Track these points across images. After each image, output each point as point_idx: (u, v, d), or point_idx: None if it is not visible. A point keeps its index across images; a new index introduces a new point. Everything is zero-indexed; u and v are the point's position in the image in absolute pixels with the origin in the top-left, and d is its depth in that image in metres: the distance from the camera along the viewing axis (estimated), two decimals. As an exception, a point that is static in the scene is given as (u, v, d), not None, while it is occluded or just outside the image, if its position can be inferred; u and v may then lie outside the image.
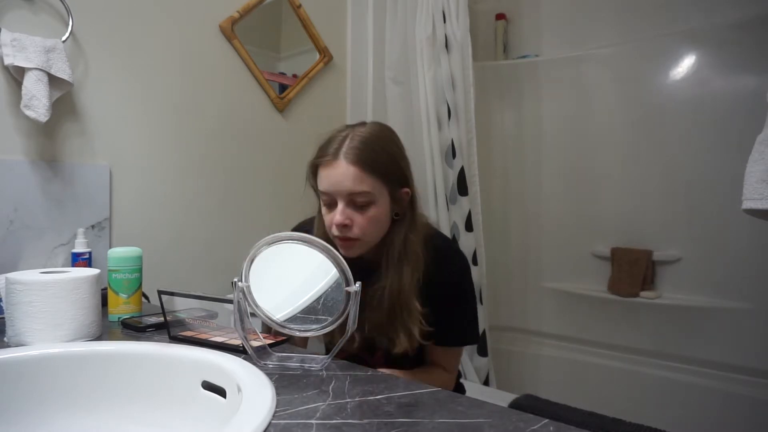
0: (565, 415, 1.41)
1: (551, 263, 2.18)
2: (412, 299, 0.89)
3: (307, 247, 0.71)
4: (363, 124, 0.91)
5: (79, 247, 1.18)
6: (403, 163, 0.91)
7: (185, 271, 1.47)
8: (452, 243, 1.02)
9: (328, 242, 0.75)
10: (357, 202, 0.85)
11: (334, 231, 0.86)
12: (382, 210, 0.87)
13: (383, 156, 0.87)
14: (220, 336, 0.84)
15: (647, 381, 1.86)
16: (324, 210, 0.89)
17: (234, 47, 1.58)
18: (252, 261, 0.73)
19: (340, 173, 0.83)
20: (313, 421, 0.54)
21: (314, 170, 0.90)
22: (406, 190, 0.91)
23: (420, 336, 0.89)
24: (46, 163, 1.19)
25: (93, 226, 1.26)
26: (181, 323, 0.91)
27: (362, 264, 0.84)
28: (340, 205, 0.85)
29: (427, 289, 0.91)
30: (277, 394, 0.61)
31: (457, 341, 0.99)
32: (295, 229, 1.12)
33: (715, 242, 1.78)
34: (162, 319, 0.90)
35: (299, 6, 1.74)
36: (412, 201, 0.93)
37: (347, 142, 0.85)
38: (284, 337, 0.86)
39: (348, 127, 0.90)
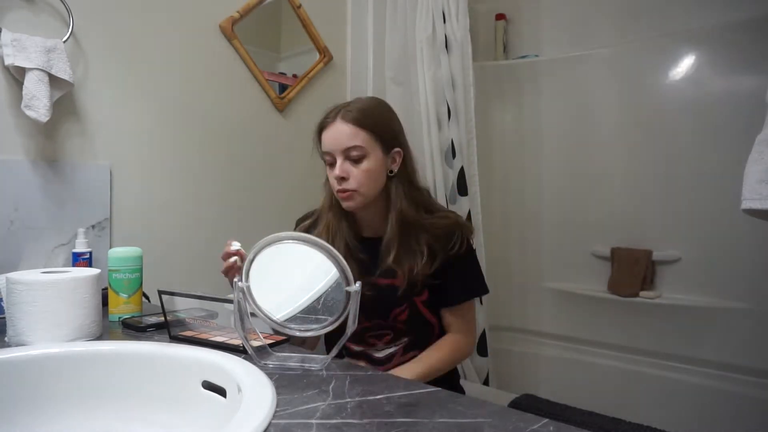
0: (564, 414, 1.41)
1: (551, 263, 2.18)
2: (419, 225, 1.01)
3: (307, 247, 0.71)
4: (361, 98, 1.06)
5: (80, 247, 1.18)
6: (395, 125, 1.04)
7: (185, 271, 1.47)
8: (455, 218, 1.07)
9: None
10: (352, 156, 0.97)
11: (334, 185, 0.99)
12: (374, 164, 0.98)
13: (376, 116, 1.00)
14: (220, 336, 0.84)
15: (647, 381, 1.86)
16: (328, 171, 1.02)
17: (234, 47, 1.58)
18: (252, 261, 0.73)
19: (337, 131, 0.97)
20: (313, 421, 0.54)
21: (319, 134, 1.03)
22: (398, 149, 1.02)
23: (420, 269, 0.99)
24: (47, 163, 1.19)
25: (93, 226, 1.26)
26: (181, 323, 0.92)
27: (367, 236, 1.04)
28: (339, 161, 0.98)
29: (435, 264, 1.00)
30: (277, 393, 0.61)
31: (468, 294, 1.07)
32: (297, 224, 1.15)
33: (715, 242, 1.78)
34: (162, 318, 0.90)
35: (299, 6, 1.75)
36: (405, 161, 1.04)
37: (346, 106, 1.00)
38: (285, 337, 0.86)
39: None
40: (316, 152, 1.06)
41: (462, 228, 1.05)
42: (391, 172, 1.02)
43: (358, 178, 0.97)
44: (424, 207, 1.05)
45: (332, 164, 1.00)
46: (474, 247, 1.10)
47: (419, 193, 1.06)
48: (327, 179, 1.05)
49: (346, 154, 0.97)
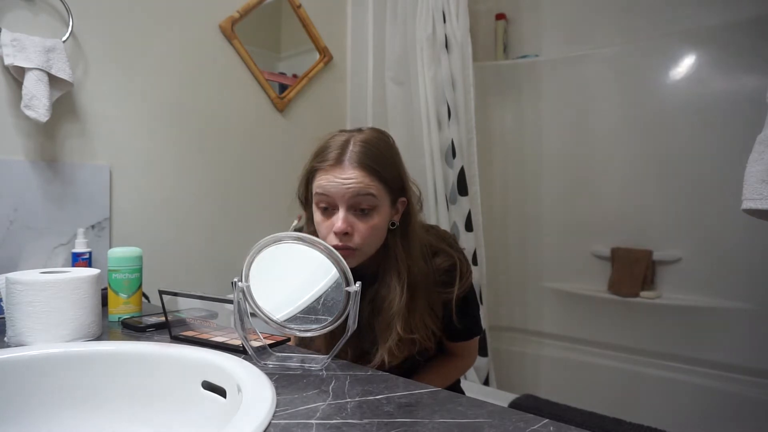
0: (565, 415, 1.41)
1: (551, 263, 2.18)
2: (394, 321, 0.85)
3: (307, 247, 0.71)
4: (360, 130, 0.88)
5: (79, 247, 1.18)
6: (402, 171, 0.89)
7: (185, 271, 1.47)
8: (456, 259, 0.94)
9: None
10: (360, 207, 0.81)
11: (332, 240, 0.81)
12: (383, 218, 0.84)
13: (387, 162, 0.85)
14: (220, 336, 0.84)
15: (647, 381, 1.86)
16: (319, 219, 0.84)
17: (234, 47, 1.58)
18: (252, 261, 0.73)
19: (345, 176, 0.80)
20: (313, 421, 0.54)
21: (310, 176, 0.86)
22: (403, 199, 0.88)
23: (389, 355, 0.86)
24: (46, 163, 1.19)
25: (93, 226, 1.26)
26: (181, 323, 0.92)
27: (356, 272, 0.77)
28: (341, 212, 0.80)
29: (435, 307, 0.90)
30: (277, 394, 0.61)
31: (470, 335, 1.00)
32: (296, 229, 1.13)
33: (715, 242, 1.78)
34: (162, 319, 0.90)
35: (299, 6, 1.75)
36: (407, 212, 0.89)
37: (350, 146, 0.82)
38: (285, 338, 0.86)
39: (345, 131, 0.87)
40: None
41: (461, 268, 0.93)
42: (393, 224, 0.87)
43: (364, 234, 0.82)
44: (427, 253, 0.90)
45: (326, 210, 0.83)
46: (473, 283, 0.99)
47: (419, 241, 0.90)
48: (306, 219, 0.88)
49: (354, 203, 0.81)
